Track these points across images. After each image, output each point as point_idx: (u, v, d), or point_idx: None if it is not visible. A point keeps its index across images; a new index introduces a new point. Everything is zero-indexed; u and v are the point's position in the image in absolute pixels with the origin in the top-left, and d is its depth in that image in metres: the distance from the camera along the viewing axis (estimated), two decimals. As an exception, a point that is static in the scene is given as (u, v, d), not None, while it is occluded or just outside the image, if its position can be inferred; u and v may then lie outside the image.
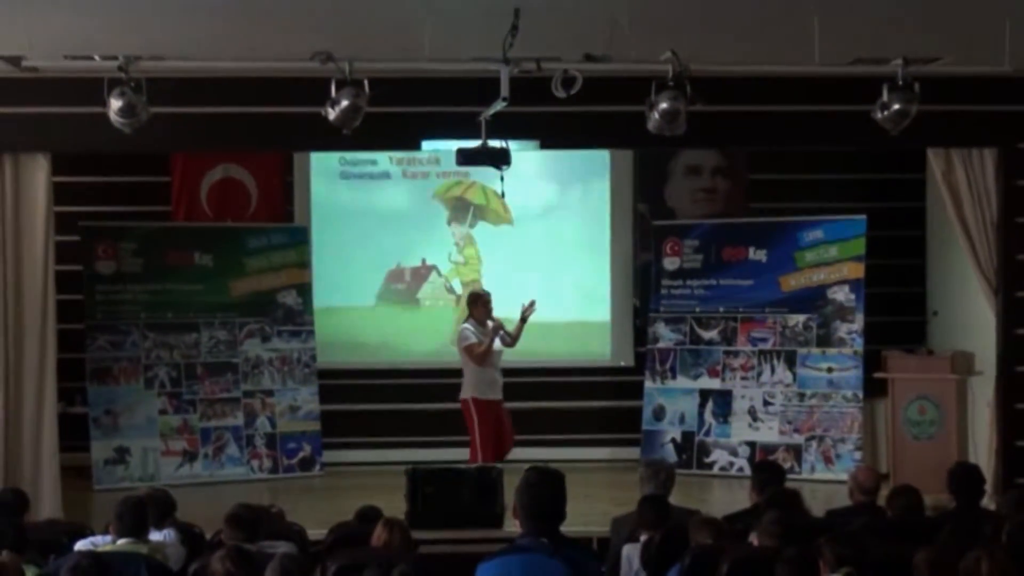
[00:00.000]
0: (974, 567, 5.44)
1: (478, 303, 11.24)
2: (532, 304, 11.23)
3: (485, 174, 12.36)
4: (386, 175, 13.35)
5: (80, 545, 6.95)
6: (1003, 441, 10.76)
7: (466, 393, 11.13)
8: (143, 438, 12.15)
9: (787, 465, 11.61)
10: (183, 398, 12.37)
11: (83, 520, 8.92)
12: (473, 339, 11.08)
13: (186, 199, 12.97)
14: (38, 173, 10.29)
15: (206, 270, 12.59)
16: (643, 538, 7.36)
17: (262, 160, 13.12)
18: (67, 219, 11.74)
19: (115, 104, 8.39)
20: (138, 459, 12.08)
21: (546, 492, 5.52)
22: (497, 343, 11.15)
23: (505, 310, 13.27)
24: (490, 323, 11.13)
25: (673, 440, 12.71)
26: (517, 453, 11.67)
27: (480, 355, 11.01)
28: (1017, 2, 7.82)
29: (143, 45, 8.41)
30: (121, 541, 6.80)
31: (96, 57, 8.61)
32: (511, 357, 13.22)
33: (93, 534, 7.33)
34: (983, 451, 10.96)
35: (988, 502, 9.76)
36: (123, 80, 8.34)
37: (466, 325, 11.23)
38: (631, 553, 7.37)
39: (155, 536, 7.15)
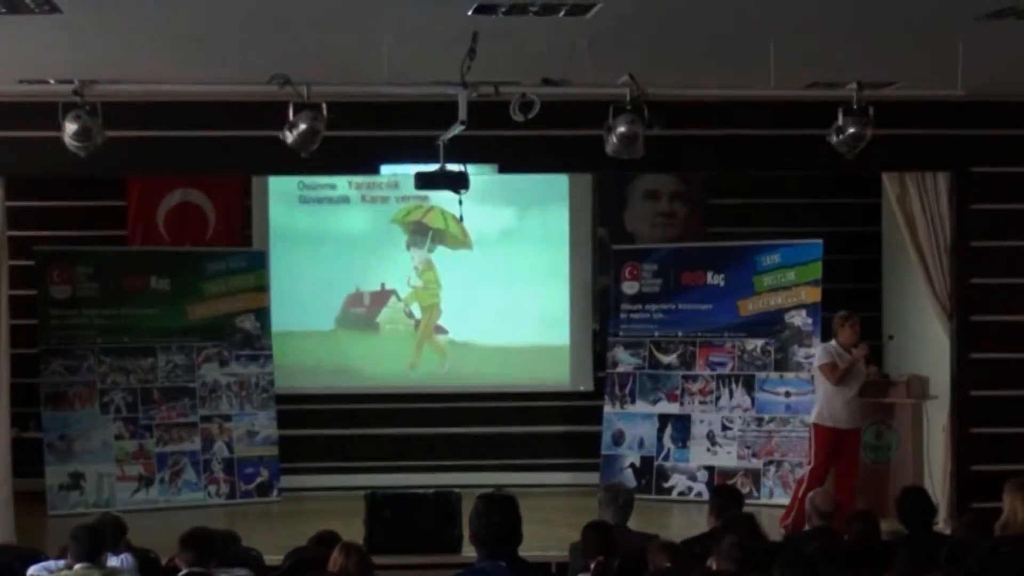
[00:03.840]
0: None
1: (846, 325, 10.86)
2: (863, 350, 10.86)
3: (444, 199, 12.36)
4: (345, 199, 13.33)
5: (33, 570, 6.88)
6: (958, 465, 10.81)
7: (812, 416, 10.99)
8: (98, 463, 12.05)
9: (745, 490, 11.63)
10: (139, 423, 12.29)
11: (37, 545, 8.82)
12: (827, 359, 10.80)
13: (143, 223, 12.90)
14: (-8, 197, 10.23)
15: (163, 294, 12.52)
16: (592, 565, 7.35)
17: (220, 184, 13.07)
18: (21, 243, 11.66)
19: (70, 128, 8.32)
20: (93, 484, 11.98)
21: (496, 519, 5.49)
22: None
23: (463, 334, 13.35)
24: (855, 351, 10.78)
25: (632, 465, 12.70)
26: (475, 479, 11.68)
27: (837, 376, 10.70)
28: (969, 26, 7.89)
29: (99, 69, 8.36)
30: (78, 566, 6.73)
31: (51, 81, 8.57)
32: (472, 382, 13.29)
33: (47, 559, 7.26)
34: (939, 475, 11.01)
35: (944, 526, 9.83)
36: (78, 104, 8.27)
37: (828, 344, 10.98)
38: (585, 583, 7.36)
39: (112, 561, 7.09)
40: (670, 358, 12.83)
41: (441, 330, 13.39)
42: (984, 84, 9.21)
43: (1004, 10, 7.52)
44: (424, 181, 9.26)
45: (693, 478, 12.50)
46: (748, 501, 9.91)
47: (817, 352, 11.07)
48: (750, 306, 12.55)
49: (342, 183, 13.24)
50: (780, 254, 12.42)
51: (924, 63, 8.89)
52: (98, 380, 12.21)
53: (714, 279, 12.74)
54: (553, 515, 11.07)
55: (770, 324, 12.42)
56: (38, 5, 7.21)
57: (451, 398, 13.28)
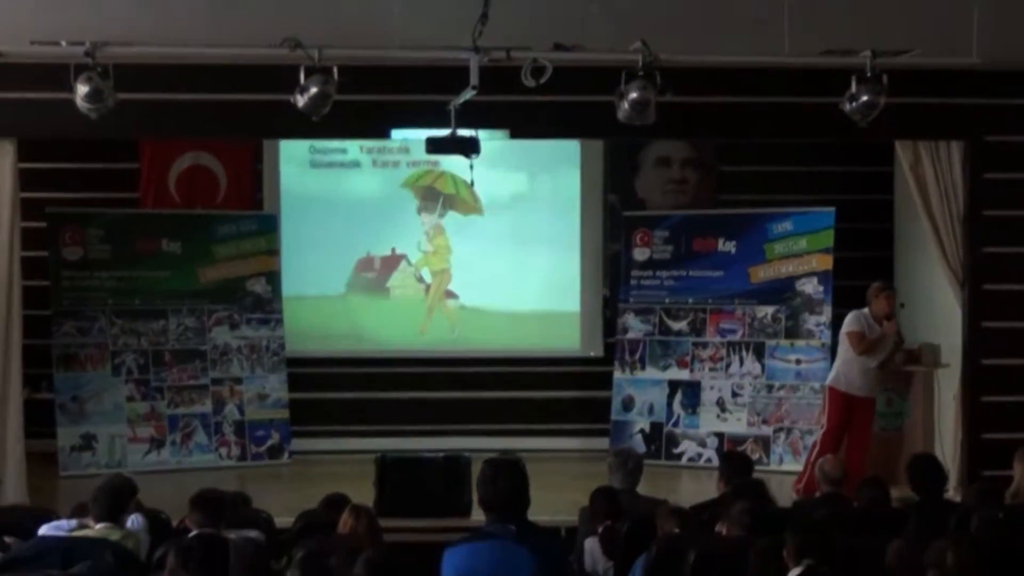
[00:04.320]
0: (939, 558, 5.46)
1: (880, 296, 10.76)
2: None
3: (455, 164, 12.32)
4: (356, 164, 13.32)
5: (44, 529, 6.91)
6: (969, 433, 10.80)
7: (829, 379, 10.98)
8: (110, 425, 12.09)
9: (755, 456, 11.67)
10: (151, 385, 12.31)
11: (49, 506, 8.86)
12: (856, 327, 10.71)
13: (154, 186, 12.91)
14: (4, 159, 10.21)
15: (174, 257, 12.53)
16: (600, 529, 7.39)
17: (231, 148, 13.07)
18: (33, 205, 11.65)
19: (82, 90, 8.34)
20: (105, 446, 12.02)
21: (503, 483, 5.51)
22: None
23: (473, 299, 13.36)
24: (886, 322, 10.65)
25: (642, 431, 12.72)
26: (485, 443, 11.69)
27: (864, 346, 10.64)
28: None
29: (111, 31, 8.35)
30: (99, 526, 6.76)
31: (63, 43, 8.55)
32: (482, 347, 13.31)
33: (59, 519, 7.29)
34: (949, 443, 11.00)
35: (954, 494, 9.84)
36: (90, 66, 8.28)
37: (860, 311, 10.85)
38: (592, 546, 7.40)
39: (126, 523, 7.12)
40: (680, 324, 12.82)
41: (451, 295, 13.41)
42: (999, 53, 9.17)
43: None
44: (435, 146, 9.25)
45: (703, 444, 12.51)
46: (758, 468, 9.91)
47: (848, 318, 10.98)
48: (761, 273, 12.53)
49: (353, 147, 13.23)
50: (792, 222, 12.40)
51: (939, 31, 8.84)
52: (110, 342, 12.24)
53: (725, 246, 12.72)
54: (563, 480, 11.09)
55: (781, 291, 12.40)
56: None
57: (461, 363, 13.30)
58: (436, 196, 13.37)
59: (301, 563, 5.82)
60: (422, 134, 9.37)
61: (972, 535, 6.39)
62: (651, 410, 12.75)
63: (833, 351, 11.70)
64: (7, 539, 6.84)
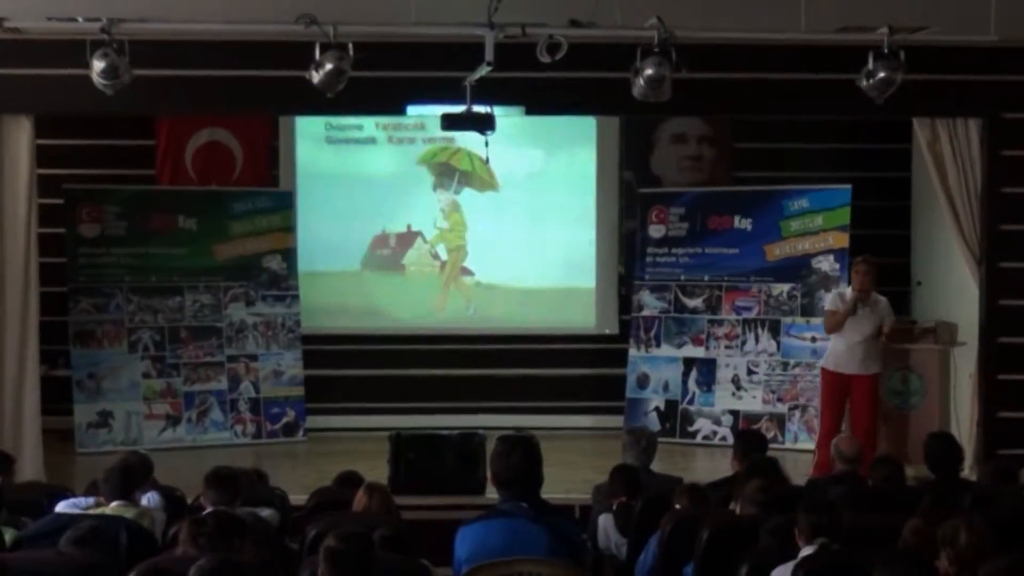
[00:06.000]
0: (952, 536, 5.44)
1: (851, 270, 10.82)
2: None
3: (471, 140, 12.35)
4: (372, 140, 13.31)
5: (61, 507, 6.94)
6: (985, 412, 10.77)
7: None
8: (126, 402, 12.13)
9: (770, 434, 11.66)
10: (167, 362, 12.35)
11: (65, 483, 8.91)
12: (830, 304, 10.80)
13: (171, 163, 12.92)
14: (21, 135, 10.24)
15: (190, 234, 12.55)
16: (615, 505, 7.40)
17: (248, 124, 13.07)
18: (50, 182, 11.68)
19: (98, 66, 8.35)
20: (121, 423, 12.06)
21: (516, 460, 5.51)
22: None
23: (489, 276, 13.36)
24: (850, 293, 10.61)
25: (657, 408, 12.71)
26: (500, 420, 11.70)
27: (830, 323, 10.69)
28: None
29: (126, 7, 8.34)
30: (113, 504, 6.79)
31: (79, 19, 8.55)
32: (497, 324, 13.32)
33: (75, 496, 7.32)
34: (965, 422, 10.98)
35: (969, 473, 9.82)
36: (106, 42, 8.28)
37: (840, 289, 10.97)
38: (606, 523, 7.41)
39: (139, 500, 7.15)
40: (696, 302, 12.81)
41: (467, 272, 13.40)
42: (1017, 29, 9.11)
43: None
44: (450, 122, 9.25)
45: (718, 422, 12.50)
46: (773, 446, 9.92)
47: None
48: (777, 251, 12.50)
49: (369, 124, 13.22)
50: (808, 199, 12.36)
51: (956, 7, 8.79)
52: (126, 319, 12.27)
53: (741, 223, 12.69)
54: (577, 458, 11.11)
55: (797, 269, 12.38)
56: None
57: (476, 340, 13.30)
58: (452, 173, 13.36)
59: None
60: (437, 110, 9.38)
61: (985, 513, 6.37)
62: (666, 387, 12.74)
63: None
64: (23, 518, 6.88)
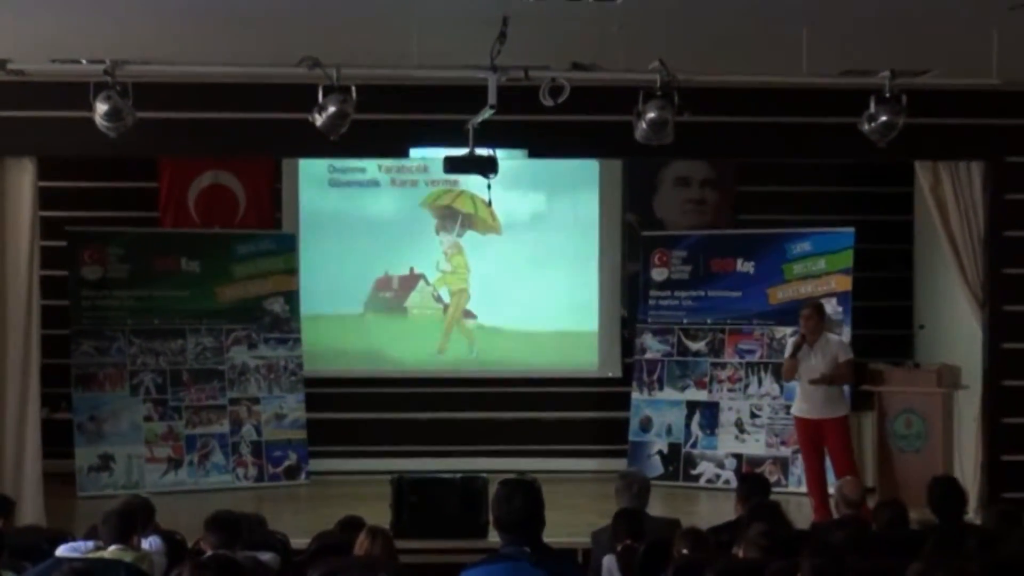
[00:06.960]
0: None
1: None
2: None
3: (473, 183, 12.39)
4: (375, 183, 13.33)
5: (62, 551, 6.89)
6: (989, 455, 10.75)
7: None
8: (128, 445, 12.09)
9: (774, 478, 11.60)
10: (168, 405, 12.32)
11: (66, 527, 8.86)
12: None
13: (174, 205, 12.95)
14: (24, 177, 10.26)
15: (193, 276, 12.55)
16: (619, 548, 7.35)
17: (251, 167, 13.11)
18: (53, 224, 11.72)
19: (101, 108, 8.35)
20: (122, 466, 12.02)
21: (517, 503, 5.47)
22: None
23: (492, 319, 13.35)
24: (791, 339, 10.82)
25: (660, 452, 12.68)
26: (503, 464, 11.67)
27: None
28: (1004, 15, 7.81)
29: (130, 49, 8.38)
30: (111, 548, 6.75)
31: (83, 61, 8.57)
32: (500, 367, 13.29)
33: (75, 540, 7.28)
34: (968, 465, 10.95)
35: (974, 516, 9.78)
36: (109, 84, 8.30)
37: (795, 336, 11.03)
38: (611, 564, 7.36)
39: (140, 544, 7.10)
40: (699, 345, 12.79)
41: (470, 315, 13.39)
42: (1019, 73, 9.14)
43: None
44: (453, 165, 9.27)
45: (721, 465, 12.46)
46: (776, 489, 9.88)
47: None
48: (780, 294, 12.50)
49: (372, 166, 13.24)
50: (811, 242, 12.36)
51: (959, 51, 8.82)
52: (128, 361, 12.25)
53: (744, 266, 12.69)
54: (580, 501, 11.06)
55: (800, 312, 12.33)
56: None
57: (479, 383, 13.28)
58: (455, 215, 13.37)
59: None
60: (440, 153, 9.39)
61: (995, 558, 6.33)
62: (669, 431, 12.71)
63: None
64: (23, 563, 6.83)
